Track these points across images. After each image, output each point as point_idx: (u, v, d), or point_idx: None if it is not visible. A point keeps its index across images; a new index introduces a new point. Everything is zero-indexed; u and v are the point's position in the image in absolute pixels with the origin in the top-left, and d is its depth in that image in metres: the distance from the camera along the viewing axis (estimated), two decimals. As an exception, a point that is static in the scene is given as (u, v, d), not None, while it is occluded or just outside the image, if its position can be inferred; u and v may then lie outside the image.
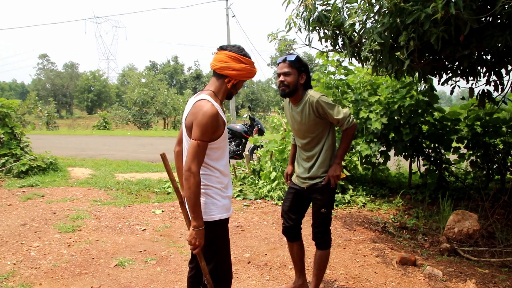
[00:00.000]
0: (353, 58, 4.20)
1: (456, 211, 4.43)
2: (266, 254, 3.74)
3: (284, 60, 2.68)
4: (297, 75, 2.67)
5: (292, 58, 2.67)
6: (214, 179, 2.05)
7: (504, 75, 3.84)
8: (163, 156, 2.04)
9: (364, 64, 4.31)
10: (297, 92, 2.71)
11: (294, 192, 2.90)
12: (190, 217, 1.98)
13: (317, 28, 3.97)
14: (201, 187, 2.02)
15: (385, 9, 3.10)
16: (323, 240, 2.82)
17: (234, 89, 2.12)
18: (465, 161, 5.97)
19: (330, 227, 2.87)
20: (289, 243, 2.97)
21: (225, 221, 2.10)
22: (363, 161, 5.81)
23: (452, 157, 6.06)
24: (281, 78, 2.68)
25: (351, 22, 3.47)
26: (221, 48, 2.06)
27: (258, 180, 6.26)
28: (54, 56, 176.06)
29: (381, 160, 6.12)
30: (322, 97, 2.64)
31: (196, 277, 2.26)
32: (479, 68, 3.85)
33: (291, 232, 2.93)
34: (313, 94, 2.66)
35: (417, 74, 4.34)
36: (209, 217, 2.02)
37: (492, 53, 3.56)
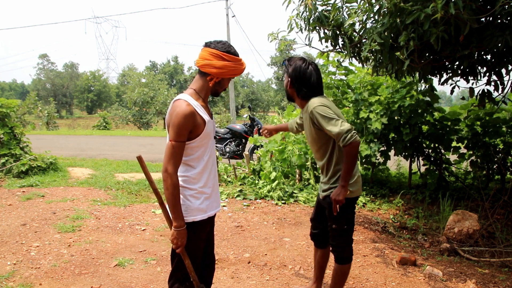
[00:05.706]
0: (353, 58, 4.20)
1: (456, 211, 4.42)
2: (266, 254, 3.74)
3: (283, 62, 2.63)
4: (287, 80, 2.52)
5: (285, 61, 2.58)
6: (191, 180, 2.01)
7: (504, 75, 3.83)
8: (139, 159, 2.02)
9: (364, 64, 4.31)
10: (295, 98, 2.56)
11: (317, 201, 2.75)
12: (171, 217, 1.97)
13: (317, 28, 3.97)
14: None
15: (385, 9, 3.10)
16: (338, 254, 2.60)
17: (219, 87, 2.05)
18: (465, 161, 5.97)
19: (352, 243, 2.62)
20: (314, 247, 2.89)
21: (199, 223, 2.04)
22: (363, 161, 5.81)
23: (452, 157, 6.06)
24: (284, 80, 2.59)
25: (351, 22, 3.47)
26: (206, 44, 1.99)
27: (258, 180, 6.26)
28: (54, 56, 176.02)
29: (381, 160, 6.12)
30: (318, 107, 2.35)
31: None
32: (479, 68, 3.85)
33: (317, 239, 2.83)
34: (312, 102, 2.41)
35: (417, 74, 4.34)
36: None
37: (492, 53, 3.55)
